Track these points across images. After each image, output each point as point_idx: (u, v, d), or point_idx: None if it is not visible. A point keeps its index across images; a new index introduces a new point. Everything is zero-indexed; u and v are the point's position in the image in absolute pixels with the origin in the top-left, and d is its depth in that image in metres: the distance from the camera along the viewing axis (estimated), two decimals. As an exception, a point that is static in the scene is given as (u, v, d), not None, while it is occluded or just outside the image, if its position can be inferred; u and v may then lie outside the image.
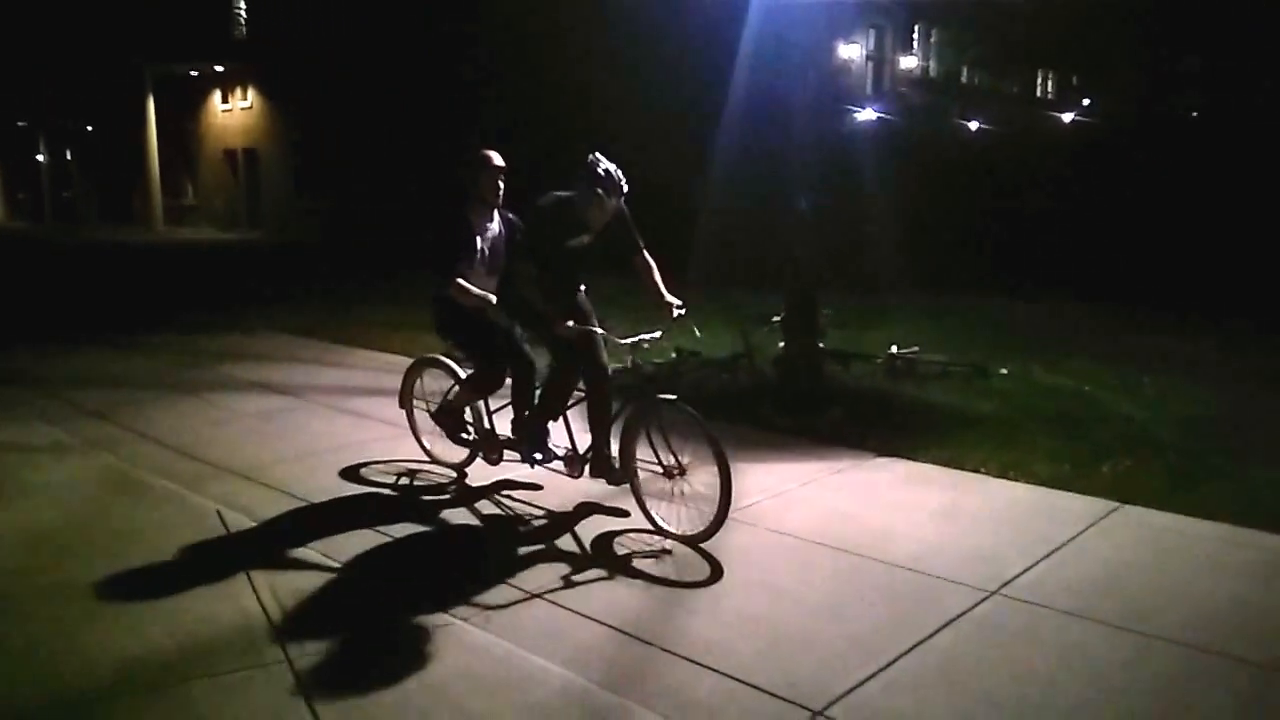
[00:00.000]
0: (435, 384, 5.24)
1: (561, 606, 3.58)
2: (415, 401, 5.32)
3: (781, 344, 7.16)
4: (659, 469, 4.24)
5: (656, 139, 13.79)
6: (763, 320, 8.01)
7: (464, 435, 5.06)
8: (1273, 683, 3.00)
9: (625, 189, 4.37)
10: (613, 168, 4.33)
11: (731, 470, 3.98)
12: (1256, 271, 11.26)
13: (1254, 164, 12.42)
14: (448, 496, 4.86)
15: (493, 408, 4.94)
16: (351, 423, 6.23)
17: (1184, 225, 12.56)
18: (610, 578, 3.86)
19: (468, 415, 5.04)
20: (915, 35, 20.37)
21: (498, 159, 4.75)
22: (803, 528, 4.35)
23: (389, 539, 4.24)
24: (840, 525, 4.36)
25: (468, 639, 3.34)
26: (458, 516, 4.59)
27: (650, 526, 4.30)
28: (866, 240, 12.55)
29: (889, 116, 16.67)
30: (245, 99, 28.54)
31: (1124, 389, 6.89)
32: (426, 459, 5.30)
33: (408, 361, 5.50)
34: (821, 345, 7.56)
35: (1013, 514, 4.49)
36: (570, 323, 4.33)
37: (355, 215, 23.24)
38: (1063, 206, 13.45)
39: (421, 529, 4.39)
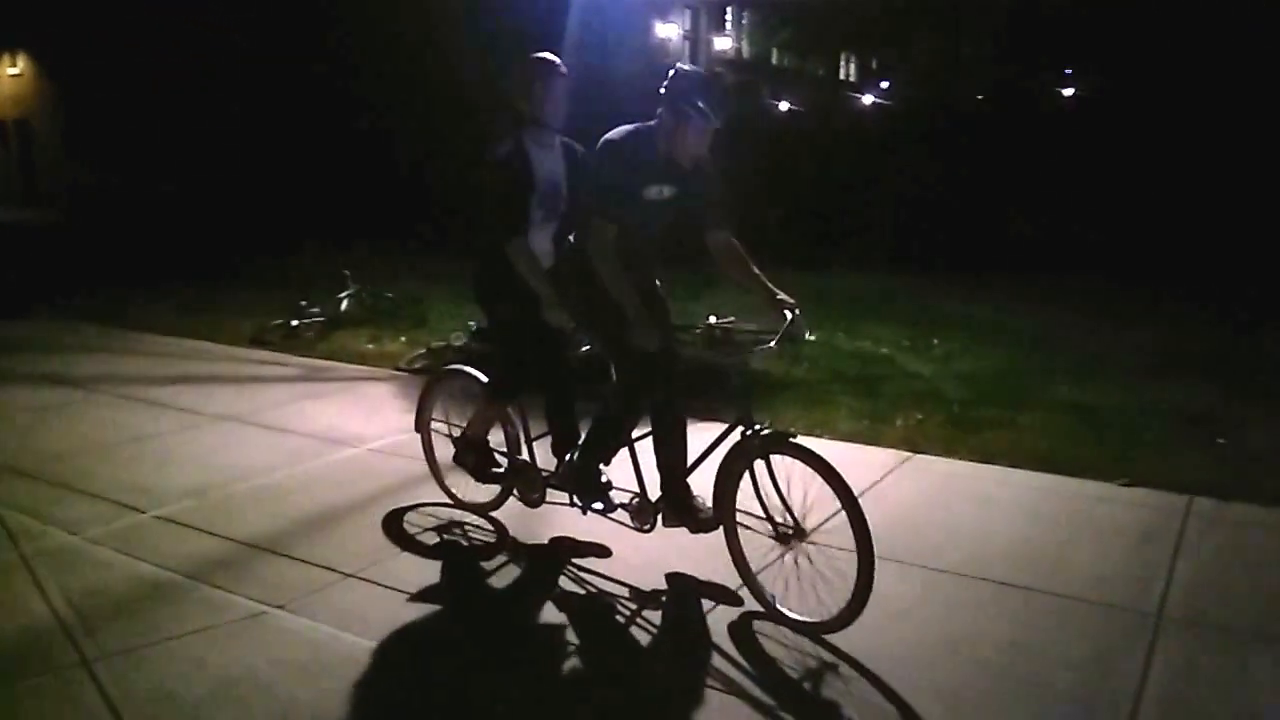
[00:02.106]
0: (459, 405, 4.20)
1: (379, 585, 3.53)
2: (435, 425, 4.24)
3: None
4: (768, 530, 3.24)
5: (486, 121, 13.54)
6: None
7: (493, 470, 4.00)
8: (1042, 604, 3.36)
9: (728, 109, 3.22)
10: (706, 74, 3.23)
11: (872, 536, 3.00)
12: (1045, 239, 12.40)
13: (1040, 142, 13.63)
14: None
15: (533, 433, 3.94)
16: (149, 412, 5.83)
17: (982, 198, 13.60)
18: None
19: (500, 440, 3.99)
20: (728, 17, 20.98)
21: (560, 64, 3.60)
22: (620, 496, 4.46)
23: (196, 530, 4.03)
24: (656, 482, 4.50)
25: (287, 626, 3.24)
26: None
27: (760, 606, 3.28)
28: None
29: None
30: (15, 65, 25.76)
31: (917, 350, 7.45)
32: (450, 501, 4.23)
33: (210, 346, 5.18)
34: (644, 318, 7.72)
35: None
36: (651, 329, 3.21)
37: (145, 193, 21.50)
38: (876, 182, 14.29)
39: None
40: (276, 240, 14.55)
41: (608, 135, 3.31)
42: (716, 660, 3.05)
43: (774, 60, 21.79)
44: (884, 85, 21.73)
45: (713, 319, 8.06)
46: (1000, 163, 13.65)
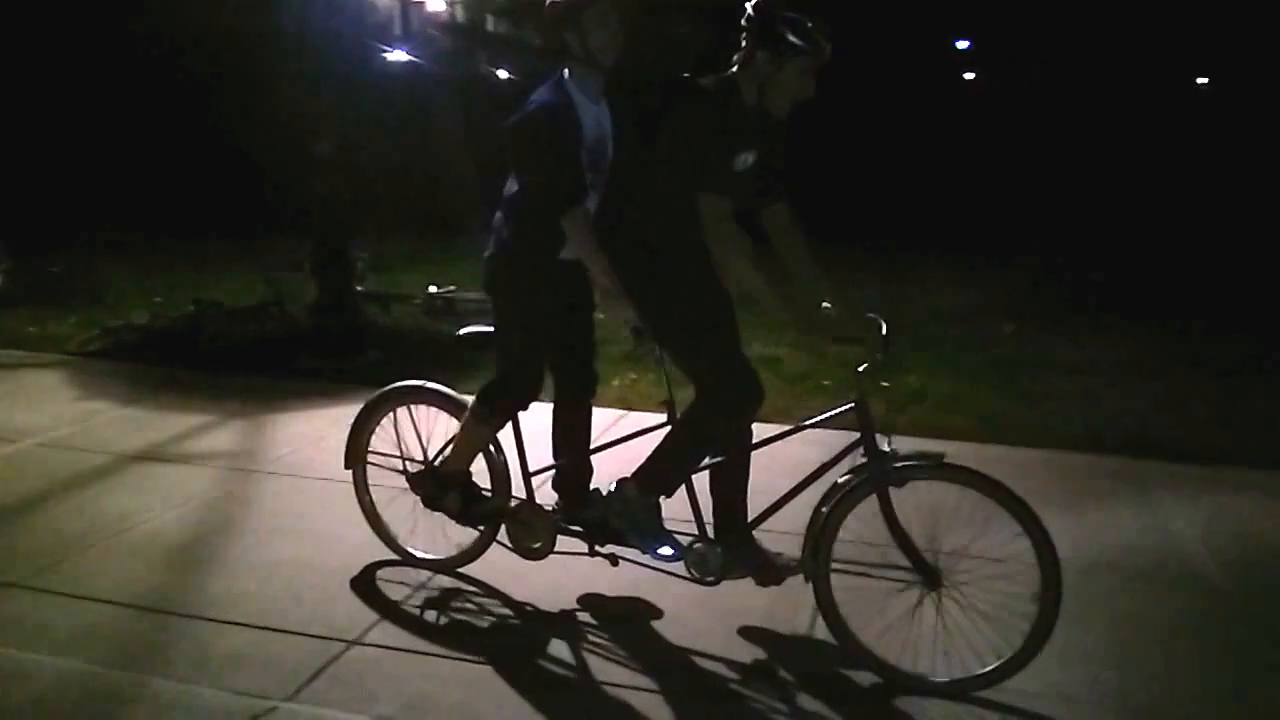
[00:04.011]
0: (419, 431, 3.31)
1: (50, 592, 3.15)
2: (372, 458, 3.40)
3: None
4: (898, 574, 2.72)
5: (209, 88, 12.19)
6: (296, 266, 7.63)
7: (484, 511, 3.21)
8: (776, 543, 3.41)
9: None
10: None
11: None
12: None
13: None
14: None
15: (531, 466, 3.16)
16: None
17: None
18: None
19: (481, 472, 3.21)
20: (440, -22, 20.39)
21: None
22: (341, 470, 4.25)
23: None
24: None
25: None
26: None
27: (874, 669, 2.75)
28: (402, 182, 12.48)
29: (419, 60, 16.57)
30: None
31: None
32: (396, 555, 3.40)
33: None
34: (360, 289, 7.43)
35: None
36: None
37: None
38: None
39: None
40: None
41: (692, 88, 2.76)
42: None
43: (490, 27, 21.52)
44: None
45: (433, 288, 7.98)
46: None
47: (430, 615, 3.10)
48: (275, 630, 2.96)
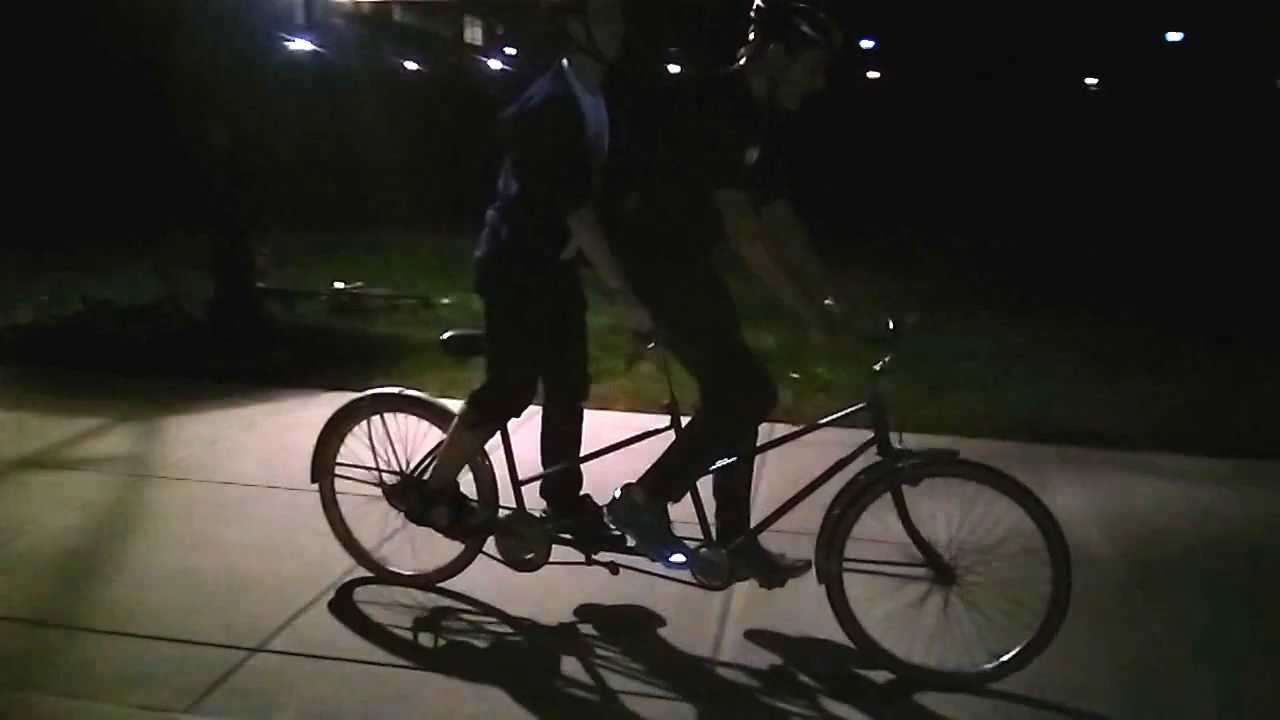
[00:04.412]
0: (396, 442, 3.13)
1: None
2: (340, 471, 3.20)
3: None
4: (912, 570, 2.72)
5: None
6: (190, 262, 7.34)
7: (474, 523, 3.04)
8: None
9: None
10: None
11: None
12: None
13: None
14: None
15: (521, 474, 3.04)
16: None
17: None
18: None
19: (467, 480, 3.07)
20: (344, -33, 19.88)
21: None
22: (242, 473, 4.17)
23: None
24: (283, 466, 4.25)
25: None
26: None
27: (890, 667, 2.75)
28: (308, 176, 12.14)
29: (323, 49, 16.12)
30: None
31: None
32: (370, 572, 3.22)
33: None
34: (263, 285, 7.20)
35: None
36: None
37: None
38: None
39: None
40: None
41: (701, 79, 2.73)
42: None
43: (396, 17, 21.10)
44: (510, 51, 22.01)
45: (339, 284, 7.79)
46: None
47: (337, 620, 3.03)
48: (172, 640, 2.85)
